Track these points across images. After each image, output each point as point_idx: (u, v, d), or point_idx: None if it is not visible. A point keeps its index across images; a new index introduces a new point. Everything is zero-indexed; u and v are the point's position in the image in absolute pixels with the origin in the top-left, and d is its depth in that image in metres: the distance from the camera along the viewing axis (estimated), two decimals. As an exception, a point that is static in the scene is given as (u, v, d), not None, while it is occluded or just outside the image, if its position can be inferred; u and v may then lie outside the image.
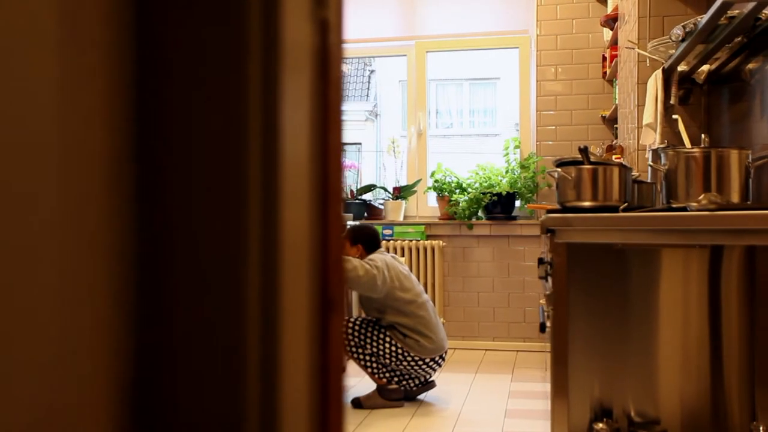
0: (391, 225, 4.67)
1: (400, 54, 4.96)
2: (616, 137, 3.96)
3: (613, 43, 3.99)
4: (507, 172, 4.63)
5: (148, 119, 0.45)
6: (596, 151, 3.81)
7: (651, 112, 2.79)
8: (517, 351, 4.53)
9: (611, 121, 4.31)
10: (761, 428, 1.87)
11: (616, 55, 3.88)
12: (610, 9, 4.05)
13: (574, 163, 2.09)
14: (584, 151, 2.04)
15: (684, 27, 2.27)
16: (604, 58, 4.37)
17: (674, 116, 2.41)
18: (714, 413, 2.16)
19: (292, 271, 0.49)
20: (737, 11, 2.06)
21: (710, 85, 2.93)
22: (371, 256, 3.33)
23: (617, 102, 3.88)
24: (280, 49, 0.46)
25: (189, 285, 0.44)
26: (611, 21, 3.94)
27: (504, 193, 4.51)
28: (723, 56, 2.53)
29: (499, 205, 4.53)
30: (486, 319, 4.62)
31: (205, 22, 0.44)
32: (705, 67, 2.71)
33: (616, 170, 2.07)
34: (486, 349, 4.60)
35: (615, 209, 2.03)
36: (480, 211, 4.61)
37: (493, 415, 3.18)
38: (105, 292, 0.42)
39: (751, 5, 1.94)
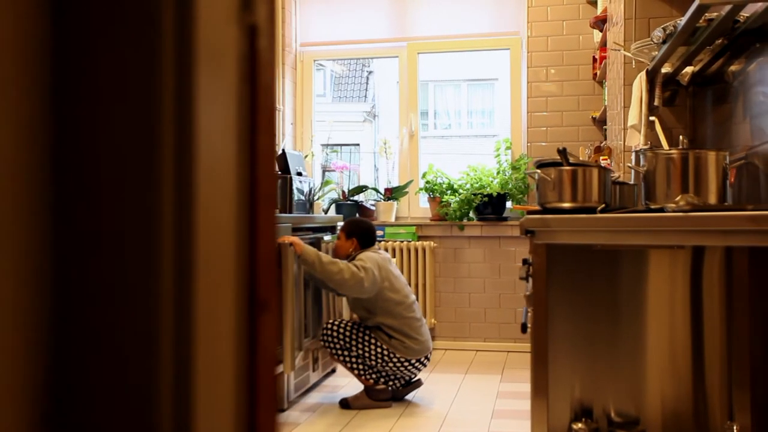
0: (382, 226, 4.68)
1: (392, 55, 4.98)
2: (606, 138, 3.97)
3: (603, 45, 4.00)
4: (498, 173, 4.64)
5: (61, 121, 0.45)
6: (585, 152, 3.83)
7: (636, 113, 2.81)
8: (508, 352, 4.54)
9: (601, 123, 4.33)
10: (735, 428, 1.88)
11: (605, 57, 3.89)
12: (599, 11, 4.06)
13: (554, 164, 2.10)
14: (563, 152, 2.05)
15: (664, 29, 2.28)
16: (594, 60, 4.39)
17: (651, 118, 2.42)
18: (695, 413, 2.18)
19: (211, 273, 0.50)
20: (715, 14, 2.07)
21: (695, 87, 2.95)
22: (361, 256, 3.34)
23: (606, 103, 3.90)
24: (196, 54, 0.47)
25: (101, 287, 0.45)
26: (600, 23, 3.96)
27: (495, 194, 4.52)
28: (705, 58, 2.54)
29: (490, 206, 4.55)
30: (477, 319, 4.63)
31: (118, 28, 0.45)
32: (689, 69, 2.72)
33: (595, 171, 2.08)
34: (477, 350, 4.61)
35: (594, 210, 2.04)
36: (471, 212, 4.62)
37: (480, 416, 3.19)
38: (17, 292, 0.43)
39: (728, 8, 1.95)
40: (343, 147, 13.84)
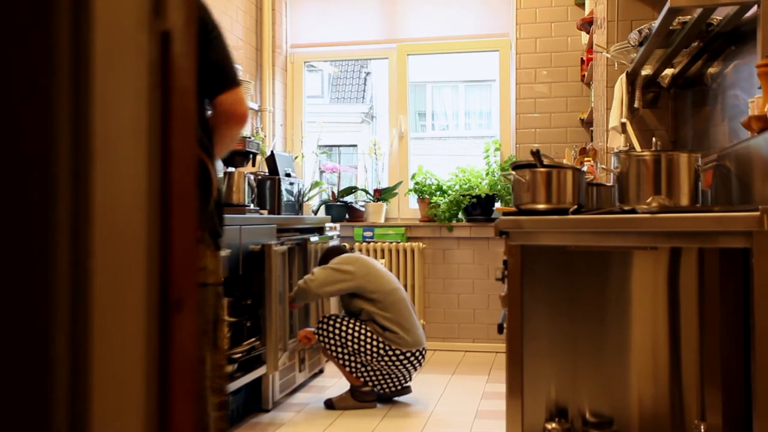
0: (371, 227, 4.70)
1: (381, 57, 5.00)
2: (592, 140, 3.98)
3: (590, 47, 4.01)
4: (487, 174, 4.65)
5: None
6: (571, 154, 3.84)
7: (617, 115, 2.82)
8: (496, 352, 4.55)
9: (589, 124, 4.34)
10: (702, 427, 1.89)
11: (592, 59, 3.90)
12: (587, 13, 4.07)
13: (529, 166, 2.12)
14: (536, 154, 2.06)
15: (640, 32, 2.30)
16: (582, 61, 4.40)
17: (623, 120, 2.43)
18: (670, 413, 2.19)
19: (113, 272, 0.51)
20: (688, 17, 2.09)
21: (677, 89, 2.96)
22: (339, 258, 3.39)
23: (593, 105, 3.91)
24: (94, 61, 0.49)
25: (-5, 284, 0.47)
26: (587, 24, 3.97)
27: (484, 195, 4.53)
28: (684, 60, 2.56)
29: (479, 207, 4.56)
30: (466, 320, 4.64)
31: (10, 36, 0.47)
32: (669, 71, 2.73)
33: (569, 173, 2.10)
34: (466, 351, 4.62)
35: (567, 212, 2.05)
36: (460, 213, 4.64)
37: (464, 416, 3.20)
38: None
39: (700, 10, 1.97)
40: (341, 148, 13.87)
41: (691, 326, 2.16)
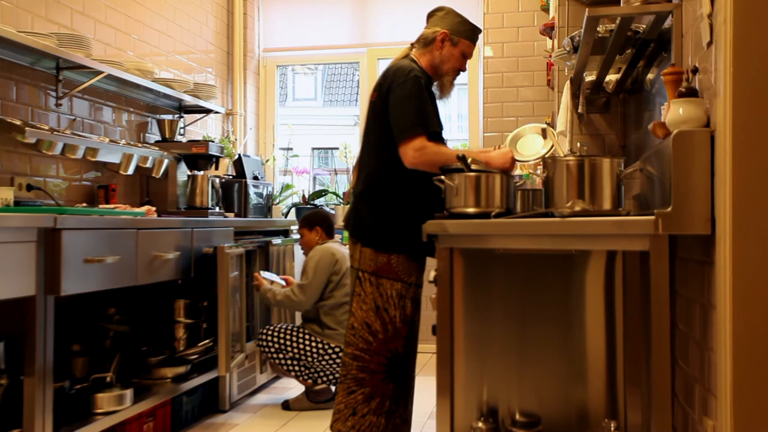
0: (341, 230, 4.73)
1: (353, 61, 5.04)
2: (554, 144, 4.02)
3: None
4: (456, 177, 4.69)
5: None
6: (530, 157, 3.87)
7: (563, 120, 2.86)
8: (463, 354, 4.58)
9: (554, 128, 4.38)
10: (612, 426, 1.92)
11: (553, 64, 3.95)
12: (551, 18, 4.11)
13: (458, 170, 2.15)
14: (463, 159, 2.10)
15: (572, 39, 2.34)
16: (548, 66, 4.44)
17: (542, 126, 2.47)
18: (595, 412, 2.22)
19: None
20: (613, 25, 2.13)
21: (626, 95, 3.01)
22: (312, 254, 3.44)
23: (554, 110, 3.95)
24: None
25: None
26: (549, 30, 4.01)
27: (451, 198, 4.57)
28: (623, 67, 2.59)
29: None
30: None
31: None
32: (613, 77, 2.77)
33: (497, 178, 2.13)
34: (433, 352, 4.65)
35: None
36: (428, 216, 4.67)
37: (418, 416, 3.24)
38: None
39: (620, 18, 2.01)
40: (333, 151, 13.92)
41: (618, 327, 2.20)
